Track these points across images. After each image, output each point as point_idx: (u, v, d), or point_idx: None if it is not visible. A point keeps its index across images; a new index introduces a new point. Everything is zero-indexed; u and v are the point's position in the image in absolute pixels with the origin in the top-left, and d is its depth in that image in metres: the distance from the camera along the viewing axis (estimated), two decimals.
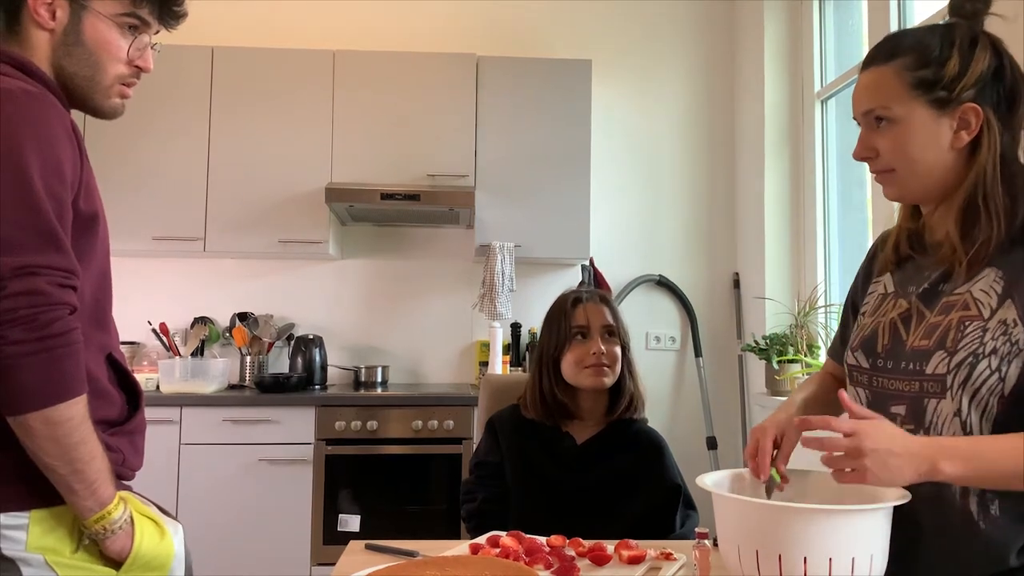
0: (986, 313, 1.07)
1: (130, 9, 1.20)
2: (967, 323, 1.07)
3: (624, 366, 1.80)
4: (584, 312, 1.79)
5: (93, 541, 1.09)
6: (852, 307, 1.37)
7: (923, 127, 1.09)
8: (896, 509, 1.04)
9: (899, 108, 1.10)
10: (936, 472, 0.97)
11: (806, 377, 2.92)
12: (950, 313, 1.10)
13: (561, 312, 1.81)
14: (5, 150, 1.01)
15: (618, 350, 1.78)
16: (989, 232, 1.08)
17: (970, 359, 1.05)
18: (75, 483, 1.04)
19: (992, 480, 1.01)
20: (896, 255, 1.24)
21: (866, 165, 1.19)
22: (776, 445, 1.18)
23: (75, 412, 1.03)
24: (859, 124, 1.18)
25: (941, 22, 1.14)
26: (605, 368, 1.75)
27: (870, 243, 1.38)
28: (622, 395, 1.80)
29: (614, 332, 1.79)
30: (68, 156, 1.08)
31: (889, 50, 1.13)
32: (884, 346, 1.18)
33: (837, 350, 1.41)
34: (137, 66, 1.23)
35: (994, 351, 1.04)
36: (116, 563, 1.11)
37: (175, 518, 1.25)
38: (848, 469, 0.99)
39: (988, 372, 1.04)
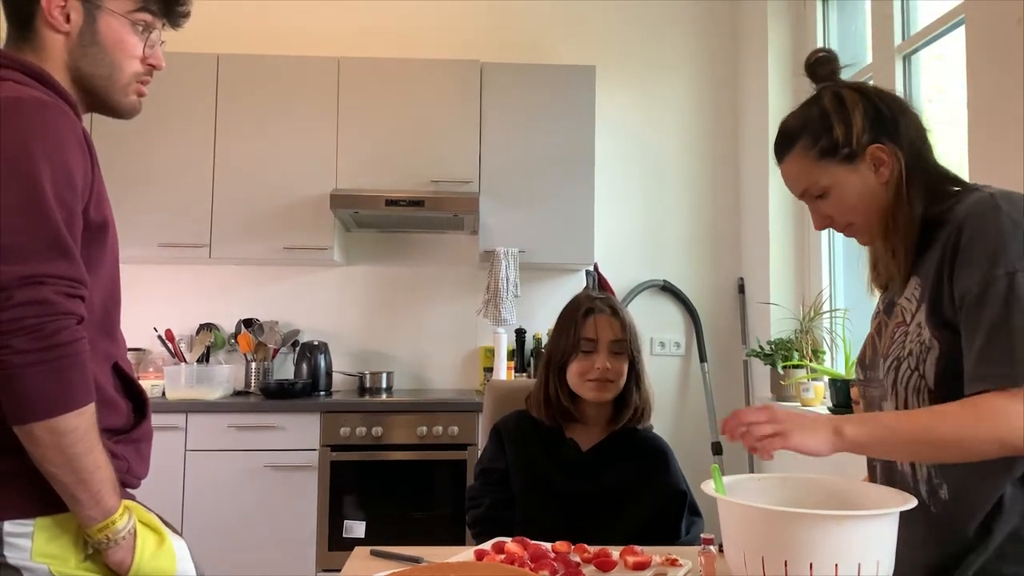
0: (908, 319, 1.20)
1: (142, 4, 1.20)
2: (896, 330, 1.22)
3: (631, 378, 1.80)
4: (594, 325, 1.77)
5: (97, 550, 1.08)
6: None
7: (850, 182, 1.23)
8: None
9: (824, 179, 1.25)
10: (841, 434, 1.06)
11: (811, 382, 2.92)
12: (891, 323, 1.25)
13: (572, 320, 1.80)
14: (16, 157, 1.01)
15: (624, 365, 1.78)
16: (903, 243, 1.21)
17: (894, 362, 1.20)
18: (79, 492, 1.03)
19: (896, 447, 1.10)
20: (876, 280, 1.35)
21: None
22: None
23: (81, 422, 1.02)
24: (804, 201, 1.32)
25: (813, 92, 1.29)
26: (607, 383, 1.75)
27: None
28: (627, 405, 1.80)
29: (623, 347, 1.78)
30: (79, 164, 1.07)
31: (787, 140, 1.28)
32: (869, 358, 1.31)
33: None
34: (150, 64, 1.24)
35: (910, 353, 1.17)
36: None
37: (179, 534, 1.23)
38: (770, 432, 1.07)
39: (909, 372, 1.17)
